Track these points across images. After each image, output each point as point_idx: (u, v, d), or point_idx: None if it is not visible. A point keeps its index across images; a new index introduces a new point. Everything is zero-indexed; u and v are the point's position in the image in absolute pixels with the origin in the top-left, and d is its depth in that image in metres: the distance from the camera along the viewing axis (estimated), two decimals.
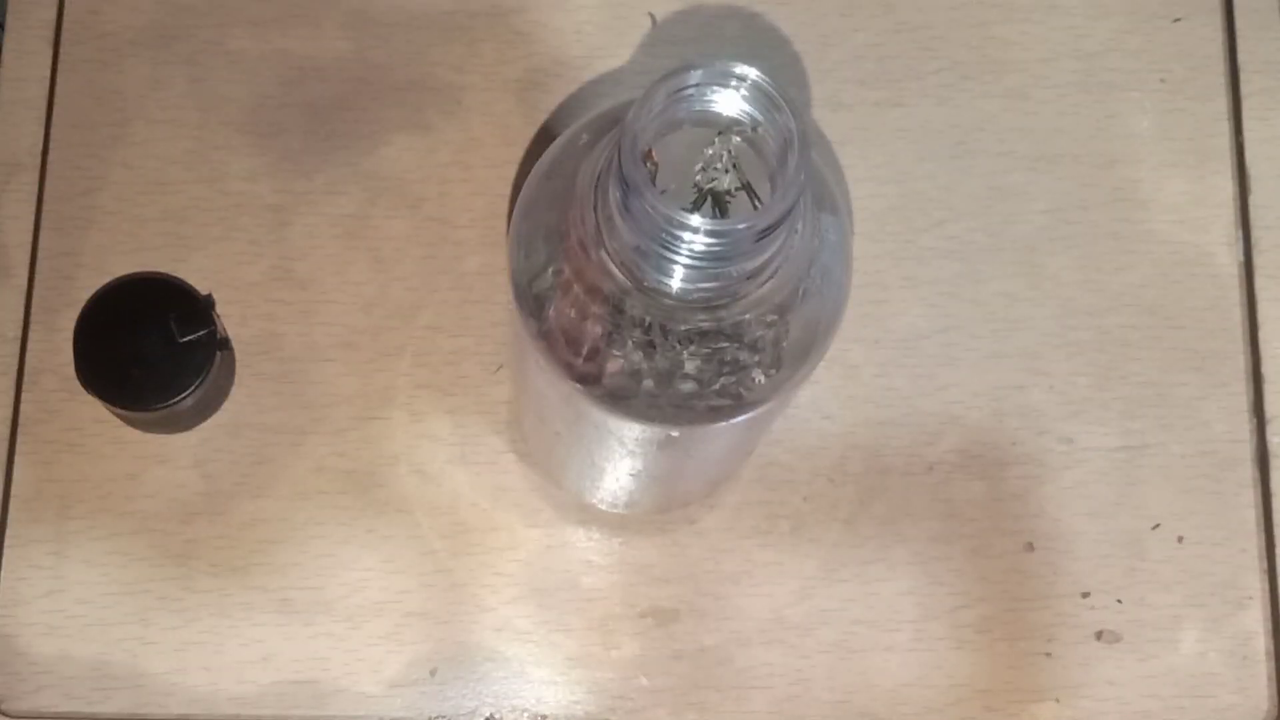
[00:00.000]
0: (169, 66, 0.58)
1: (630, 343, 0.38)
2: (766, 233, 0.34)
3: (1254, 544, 0.56)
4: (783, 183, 0.34)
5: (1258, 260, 0.58)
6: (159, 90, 0.58)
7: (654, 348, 0.38)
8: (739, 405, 0.39)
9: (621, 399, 0.39)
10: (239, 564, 0.55)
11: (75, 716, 0.53)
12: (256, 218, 0.57)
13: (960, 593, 0.55)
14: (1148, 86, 0.60)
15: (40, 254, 0.57)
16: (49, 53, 0.58)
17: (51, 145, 0.58)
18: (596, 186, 0.36)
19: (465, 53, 0.59)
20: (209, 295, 0.53)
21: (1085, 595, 0.55)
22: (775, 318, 0.38)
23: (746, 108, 0.35)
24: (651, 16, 0.60)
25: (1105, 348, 0.57)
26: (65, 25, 0.59)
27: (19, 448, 0.55)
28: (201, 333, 0.52)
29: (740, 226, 0.34)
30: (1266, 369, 0.57)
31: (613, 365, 0.38)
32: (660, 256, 0.35)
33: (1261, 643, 0.55)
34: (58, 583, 0.54)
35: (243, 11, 0.59)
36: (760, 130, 0.36)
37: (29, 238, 0.57)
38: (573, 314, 0.38)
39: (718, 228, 0.34)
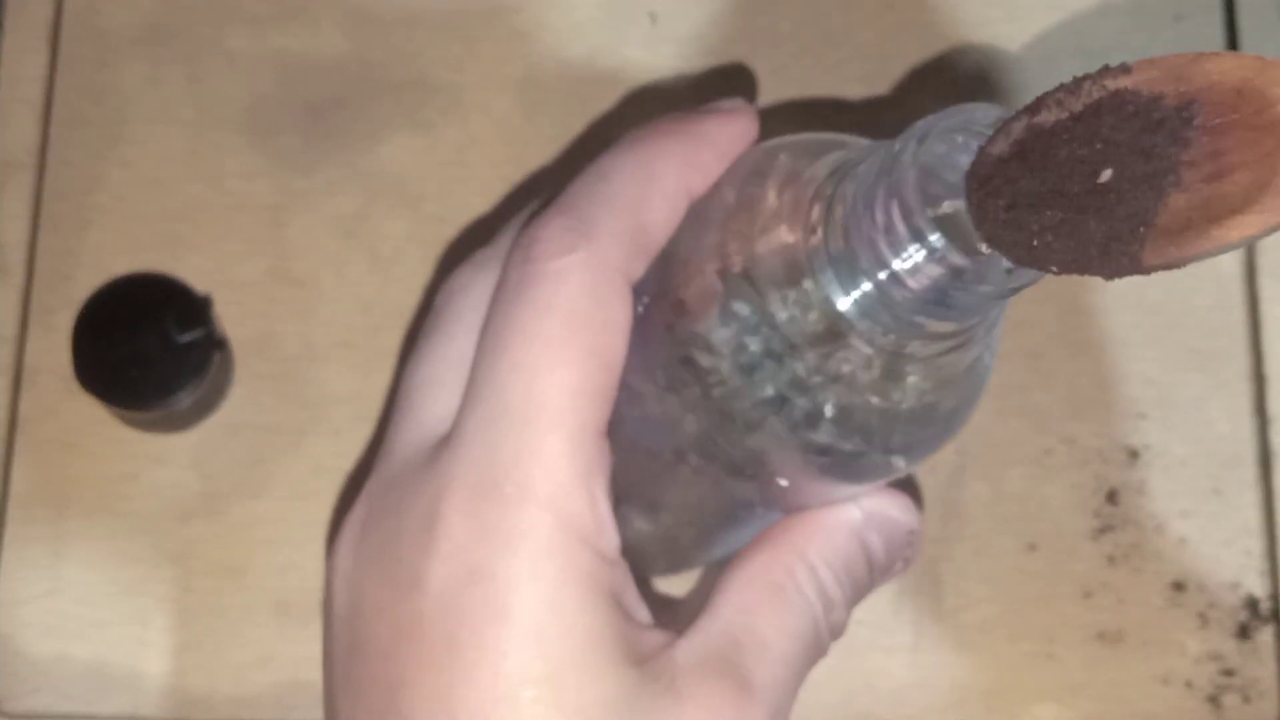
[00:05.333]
0: (167, 65, 0.58)
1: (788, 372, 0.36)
2: (1013, 293, 0.32)
3: (1256, 544, 0.56)
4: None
5: (1260, 260, 0.58)
6: (157, 89, 0.58)
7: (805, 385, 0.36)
8: (859, 469, 0.38)
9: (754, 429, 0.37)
10: (237, 565, 0.54)
11: (73, 717, 0.53)
12: (255, 217, 0.57)
13: (961, 593, 0.55)
14: None
15: (38, 253, 0.56)
16: (47, 51, 0.58)
17: (49, 144, 0.57)
18: (833, 203, 0.34)
19: (464, 51, 0.59)
20: (207, 295, 0.52)
21: (1087, 595, 0.55)
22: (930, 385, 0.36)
23: None
24: (652, 16, 0.59)
25: (1105, 348, 0.57)
26: (63, 24, 0.59)
27: (17, 448, 0.55)
28: (200, 332, 0.52)
29: (999, 277, 0.31)
30: (1269, 369, 0.57)
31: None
32: (884, 287, 0.33)
33: None
34: (56, 583, 0.54)
35: (241, 10, 0.59)
36: None
37: (27, 237, 0.57)
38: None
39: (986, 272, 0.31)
